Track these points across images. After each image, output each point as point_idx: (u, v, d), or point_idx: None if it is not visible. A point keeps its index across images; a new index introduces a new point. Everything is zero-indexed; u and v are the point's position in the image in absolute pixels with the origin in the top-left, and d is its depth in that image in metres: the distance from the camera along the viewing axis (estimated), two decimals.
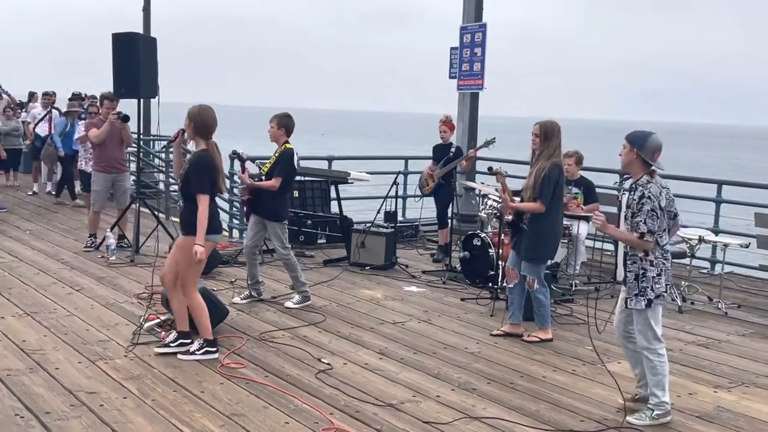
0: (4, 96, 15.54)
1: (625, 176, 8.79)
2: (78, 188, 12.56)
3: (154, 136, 15.22)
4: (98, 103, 10.12)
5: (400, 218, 11.17)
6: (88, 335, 6.04)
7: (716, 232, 9.13)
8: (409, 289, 8.09)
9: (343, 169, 10.16)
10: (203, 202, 5.48)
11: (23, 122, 14.96)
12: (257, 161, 8.77)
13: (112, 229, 9.25)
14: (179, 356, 5.60)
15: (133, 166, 11.15)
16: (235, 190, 11.03)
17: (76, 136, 11.37)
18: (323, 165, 11.35)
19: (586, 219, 7.85)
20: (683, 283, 7.95)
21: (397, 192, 9.56)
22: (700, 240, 7.88)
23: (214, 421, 4.51)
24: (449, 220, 9.40)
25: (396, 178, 9.46)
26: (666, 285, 4.77)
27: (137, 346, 5.79)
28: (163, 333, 6.05)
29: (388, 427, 4.56)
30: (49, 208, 12.47)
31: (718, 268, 9.55)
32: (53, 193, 13.53)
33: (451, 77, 11.65)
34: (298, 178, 8.37)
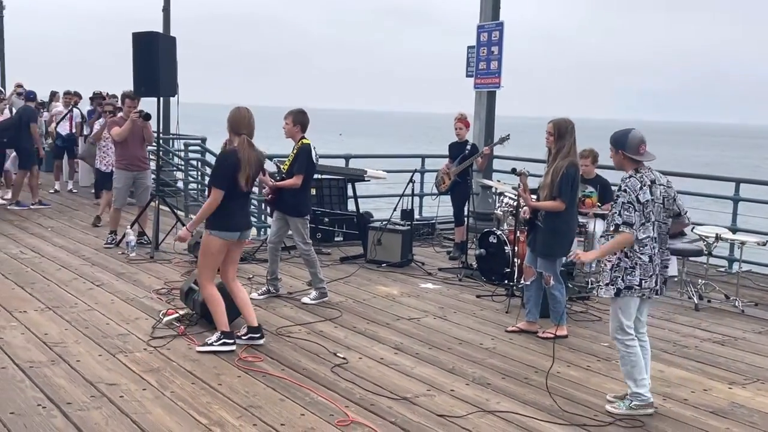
0: (23, 95, 15.75)
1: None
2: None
3: (173, 134, 15.36)
4: (119, 102, 10.26)
5: (416, 216, 11.22)
6: (109, 329, 6.14)
7: (734, 230, 9.11)
8: (425, 286, 8.14)
9: (360, 167, 10.22)
10: (215, 193, 5.64)
11: (44, 121, 15.16)
12: (275, 159, 8.88)
13: (132, 226, 9.37)
14: (197, 349, 5.69)
15: (152, 165, 11.28)
16: (254, 189, 11.14)
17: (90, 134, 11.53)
18: (340, 163, 11.42)
19: (603, 216, 7.86)
20: (700, 281, 7.95)
21: (413, 190, 9.60)
22: (717, 238, 7.87)
23: (231, 413, 4.59)
24: (465, 218, 9.43)
25: (412, 176, 9.51)
26: (641, 279, 4.77)
27: (156, 339, 5.89)
28: (181, 327, 6.14)
29: (402, 419, 4.61)
30: (70, 206, 12.64)
31: (735, 266, 9.53)
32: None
33: (468, 76, 11.67)
34: (315, 176, 8.44)
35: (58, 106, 15.15)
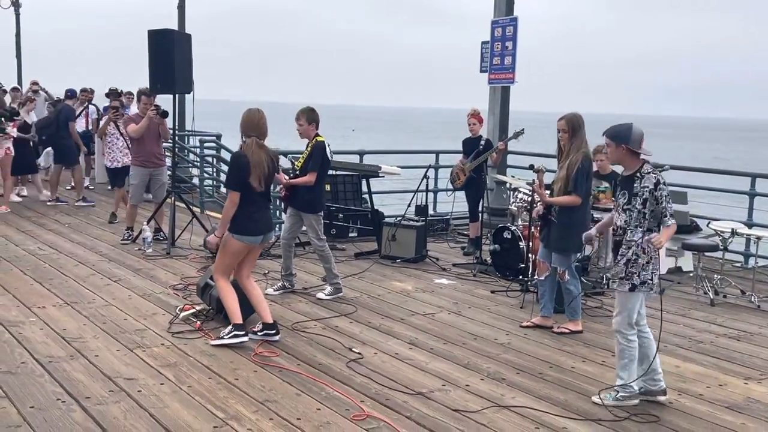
0: (41, 92, 15.87)
1: (658, 170, 8.79)
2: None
3: (188, 131, 15.44)
4: (135, 99, 10.33)
5: (430, 212, 11.22)
6: (126, 324, 6.20)
7: (749, 225, 9.06)
8: (439, 282, 8.16)
9: (375, 163, 10.24)
10: (231, 196, 5.70)
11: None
12: (289, 156, 8.92)
13: (148, 222, 9.44)
14: (211, 342, 5.74)
15: (168, 161, 11.34)
16: (274, 187, 11.19)
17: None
18: (354, 159, 11.45)
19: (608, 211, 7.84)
20: (716, 276, 7.91)
21: (428, 186, 9.61)
22: (733, 233, 7.83)
23: (248, 407, 4.63)
24: (480, 214, 9.43)
25: (426, 172, 9.52)
26: (652, 273, 4.81)
27: (173, 334, 5.94)
28: (198, 322, 6.20)
29: (417, 414, 4.64)
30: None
31: (751, 261, 9.48)
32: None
33: (482, 71, 11.65)
34: (330, 172, 8.47)
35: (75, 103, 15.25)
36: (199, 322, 6.20)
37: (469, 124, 9.41)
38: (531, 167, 6.90)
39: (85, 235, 9.97)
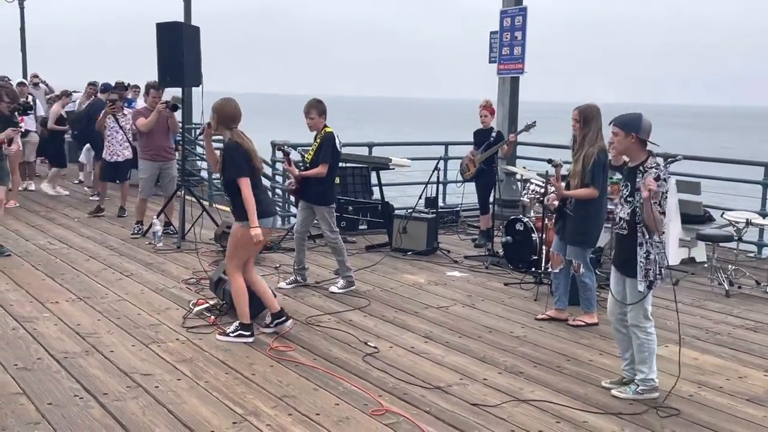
0: (41, 85, 15.85)
1: (669, 160, 8.75)
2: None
3: (196, 124, 15.39)
4: (143, 93, 10.29)
5: (440, 204, 11.18)
6: (140, 319, 6.18)
7: (763, 214, 8.99)
8: (451, 274, 8.12)
9: (384, 156, 10.19)
10: (245, 185, 5.60)
11: (67, 112, 15.22)
12: (298, 148, 8.88)
13: (158, 216, 9.42)
14: (217, 337, 5.72)
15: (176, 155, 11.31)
16: (278, 178, 11.16)
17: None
18: (363, 151, 11.40)
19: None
20: (730, 267, 7.86)
21: (438, 178, 9.56)
22: (748, 223, 7.78)
23: (266, 402, 4.61)
24: (491, 206, 9.39)
25: (437, 164, 9.47)
26: (660, 267, 4.75)
27: (187, 329, 5.92)
28: (211, 317, 6.17)
29: (436, 408, 4.61)
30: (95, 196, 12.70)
31: (764, 251, 9.44)
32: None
33: (491, 62, 11.60)
34: (339, 164, 8.42)
35: (79, 95, 15.20)
36: (213, 317, 6.17)
37: (481, 116, 9.36)
38: (549, 161, 6.84)
39: (95, 229, 9.95)
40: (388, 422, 4.39)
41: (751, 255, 9.44)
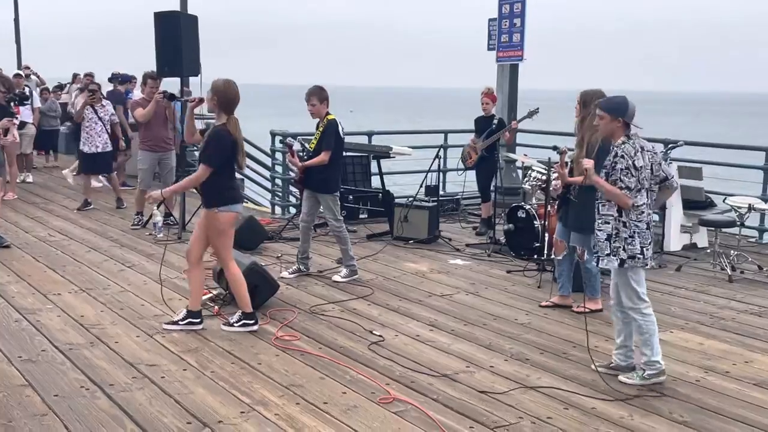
0: (32, 77, 15.75)
1: (671, 146, 8.73)
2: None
3: (195, 115, 15.31)
4: (141, 83, 10.23)
5: (441, 192, 11.15)
6: (144, 310, 6.16)
7: (765, 199, 8.99)
8: (454, 262, 8.11)
9: (384, 144, 10.16)
10: (203, 172, 5.47)
11: (62, 104, 15.16)
12: (299, 138, 8.84)
13: (158, 207, 9.36)
14: (222, 328, 5.69)
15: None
16: (278, 168, 11.11)
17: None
18: (363, 140, 11.36)
19: None
20: (732, 252, 7.86)
21: (439, 166, 9.53)
22: (750, 208, 7.77)
23: (273, 392, 4.59)
24: (492, 193, 9.36)
25: (438, 152, 9.43)
26: (642, 247, 4.76)
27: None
28: (216, 307, 6.15)
29: (444, 396, 4.60)
30: (93, 188, 12.63)
31: (766, 236, 9.44)
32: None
33: (489, 49, 11.56)
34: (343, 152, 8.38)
35: (75, 88, 15.15)
36: (217, 307, 6.15)
37: (483, 103, 9.32)
38: (554, 148, 6.81)
39: (95, 220, 9.91)
40: (396, 410, 4.38)
41: (753, 240, 9.45)
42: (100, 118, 10.59)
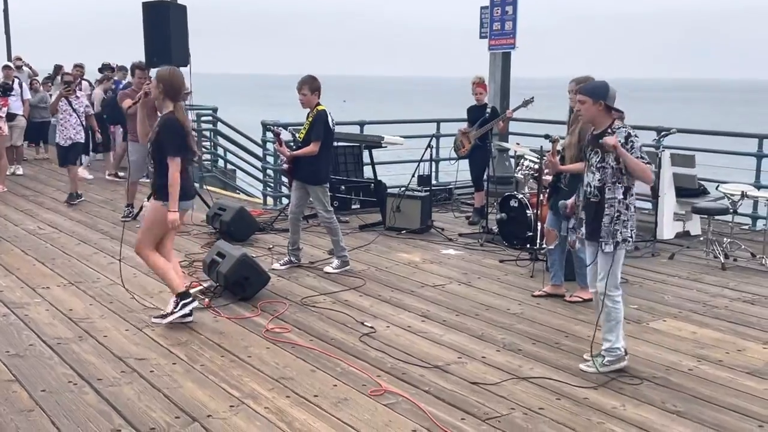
0: (24, 68, 15.62)
1: (664, 133, 8.69)
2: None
3: (185, 105, 15.23)
4: (129, 73, 10.14)
5: (432, 182, 11.11)
6: (133, 303, 6.10)
7: (757, 187, 8.96)
8: (446, 252, 8.07)
9: (376, 134, 10.10)
10: (175, 165, 5.38)
11: (49, 95, 15.03)
12: (289, 128, 8.77)
13: (149, 199, 9.27)
14: (153, 320, 5.59)
15: None
16: (269, 158, 11.05)
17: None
18: (354, 130, 11.30)
19: None
20: (726, 240, 7.83)
21: (431, 155, 9.48)
22: (743, 195, 7.74)
23: (263, 385, 4.55)
24: (485, 183, 9.32)
25: (430, 141, 9.38)
26: (631, 230, 4.77)
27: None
28: (206, 300, 6.11)
29: (436, 388, 4.57)
30: (84, 179, 12.56)
31: (759, 223, 9.42)
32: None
33: (481, 37, 11.49)
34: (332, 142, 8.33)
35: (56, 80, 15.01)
36: (207, 300, 6.10)
37: (476, 93, 9.27)
38: (547, 136, 6.77)
39: (85, 213, 9.84)
40: (387, 402, 4.34)
41: (746, 227, 9.43)
42: (74, 110, 10.45)
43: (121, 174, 12.15)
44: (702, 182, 9.01)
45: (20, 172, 12.97)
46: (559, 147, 6.37)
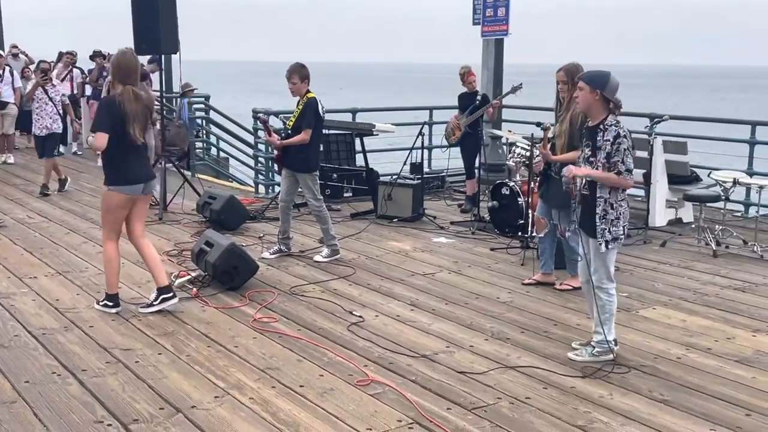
0: (21, 56, 15.51)
1: (656, 120, 8.63)
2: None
3: (176, 93, 15.15)
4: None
5: (425, 170, 11.06)
6: (120, 293, 6.02)
7: (750, 174, 8.93)
8: (437, 241, 8.03)
9: (368, 121, 10.04)
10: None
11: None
12: (280, 116, 8.71)
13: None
14: (140, 310, 5.60)
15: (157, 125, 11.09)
16: (260, 146, 10.99)
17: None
18: (347, 117, 11.23)
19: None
20: (717, 227, 7.81)
21: (423, 143, 9.43)
22: (735, 182, 7.71)
23: (249, 375, 4.52)
24: (476, 170, 9.28)
25: (422, 129, 9.32)
26: (623, 227, 4.71)
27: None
28: (194, 289, 6.07)
29: (422, 377, 4.54)
30: (75, 168, 12.51)
31: (751, 210, 9.39)
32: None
33: (474, 24, 11.40)
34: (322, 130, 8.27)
35: (58, 66, 14.93)
36: (195, 289, 6.06)
37: (469, 82, 9.22)
38: (538, 124, 6.71)
39: (74, 201, 9.79)
40: (373, 392, 4.32)
41: (738, 214, 9.40)
42: (50, 99, 10.31)
43: None
44: (694, 169, 8.97)
45: (11, 160, 12.89)
46: (550, 134, 6.32)
